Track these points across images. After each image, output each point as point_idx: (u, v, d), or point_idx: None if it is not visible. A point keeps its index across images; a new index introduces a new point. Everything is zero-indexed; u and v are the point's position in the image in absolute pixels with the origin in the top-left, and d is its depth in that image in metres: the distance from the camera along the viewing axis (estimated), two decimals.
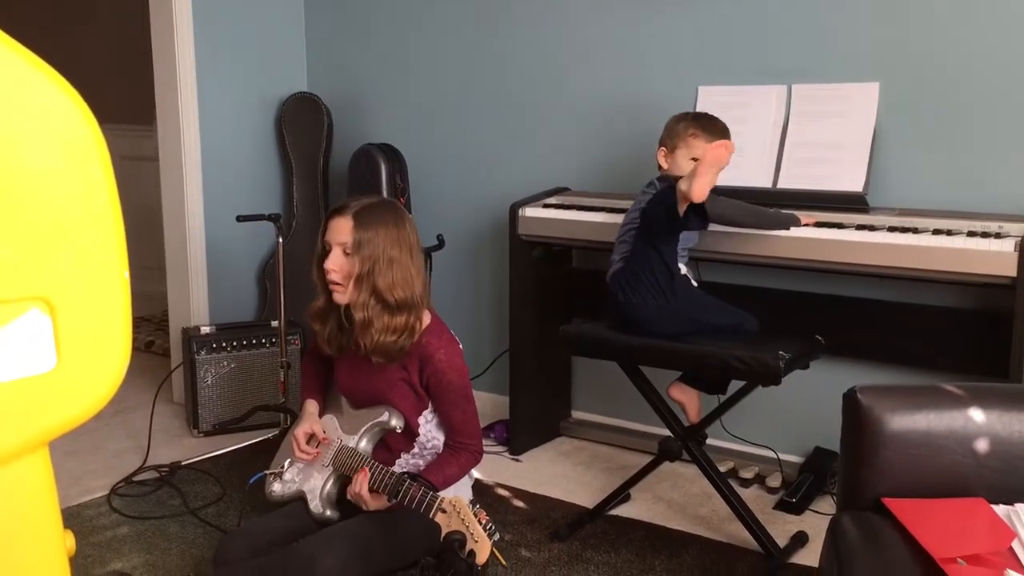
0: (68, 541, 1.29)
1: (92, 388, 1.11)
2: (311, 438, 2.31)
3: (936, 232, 2.50)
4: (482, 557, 1.84)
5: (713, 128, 2.63)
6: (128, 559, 2.53)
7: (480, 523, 1.88)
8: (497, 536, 1.90)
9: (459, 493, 2.25)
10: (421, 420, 2.27)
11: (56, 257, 1.05)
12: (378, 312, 2.14)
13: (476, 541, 1.85)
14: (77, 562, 2.39)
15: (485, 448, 3.26)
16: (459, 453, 2.26)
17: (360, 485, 2.11)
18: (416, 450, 2.30)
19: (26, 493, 1.13)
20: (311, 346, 2.43)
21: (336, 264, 2.15)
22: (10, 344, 1.03)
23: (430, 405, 2.27)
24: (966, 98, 2.74)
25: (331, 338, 2.28)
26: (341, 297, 2.18)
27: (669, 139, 2.68)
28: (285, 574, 2.02)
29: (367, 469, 2.12)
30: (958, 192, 2.75)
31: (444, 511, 1.92)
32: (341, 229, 2.14)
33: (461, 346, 2.28)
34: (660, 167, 2.70)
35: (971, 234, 2.46)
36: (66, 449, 3.27)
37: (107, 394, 1.13)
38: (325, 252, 2.19)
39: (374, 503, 2.12)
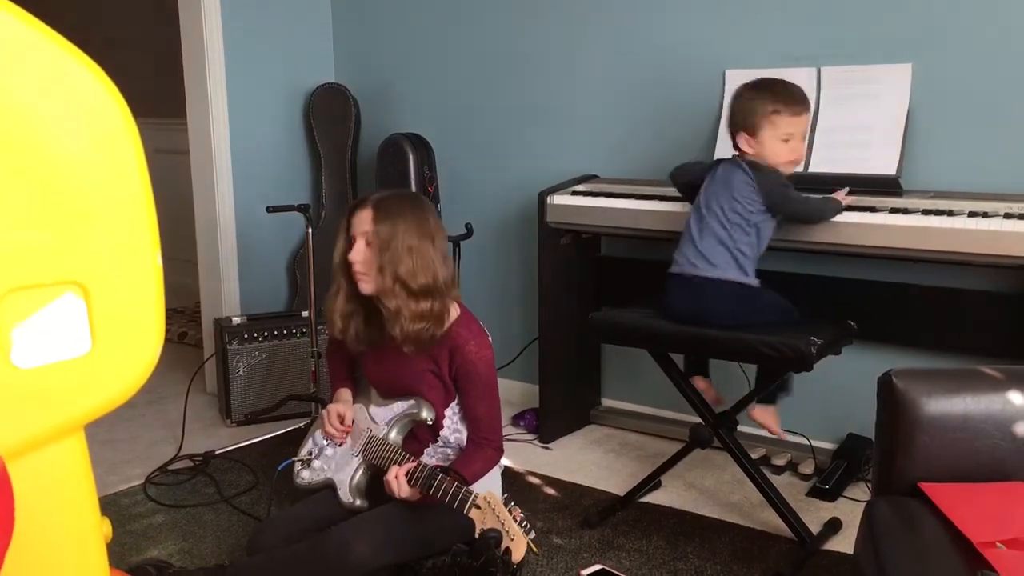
0: (104, 528, 1.30)
1: (127, 371, 1.12)
2: (342, 421, 2.33)
3: (972, 214, 2.46)
4: (518, 555, 1.82)
5: (793, 99, 2.43)
6: (164, 546, 2.56)
7: (515, 520, 1.86)
8: (533, 534, 1.88)
9: (489, 484, 2.24)
10: (447, 413, 2.28)
11: (89, 242, 1.06)
12: (404, 299, 2.16)
13: (512, 539, 1.83)
14: (113, 549, 2.42)
15: (516, 436, 3.34)
16: (483, 448, 2.26)
17: (396, 474, 2.11)
18: (440, 443, 2.30)
19: (63, 476, 1.15)
20: (330, 340, 2.44)
21: (360, 255, 2.18)
22: (45, 328, 1.04)
23: (456, 398, 2.27)
24: (1001, 78, 2.68)
25: (359, 336, 2.29)
26: (367, 287, 2.19)
27: (746, 120, 2.44)
28: (319, 559, 2.04)
29: (407, 465, 2.12)
30: (994, 174, 2.70)
31: (478, 507, 1.90)
32: (363, 220, 2.18)
33: (491, 339, 2.29)
34: (743, 151, 2.48)
35: (1008, 216, 2.41)
36: (102, 439, 3.31)
37: (141, 377, 1.14)
38: (349, 245, 2.21)
39: (407, 493, 2.11)
